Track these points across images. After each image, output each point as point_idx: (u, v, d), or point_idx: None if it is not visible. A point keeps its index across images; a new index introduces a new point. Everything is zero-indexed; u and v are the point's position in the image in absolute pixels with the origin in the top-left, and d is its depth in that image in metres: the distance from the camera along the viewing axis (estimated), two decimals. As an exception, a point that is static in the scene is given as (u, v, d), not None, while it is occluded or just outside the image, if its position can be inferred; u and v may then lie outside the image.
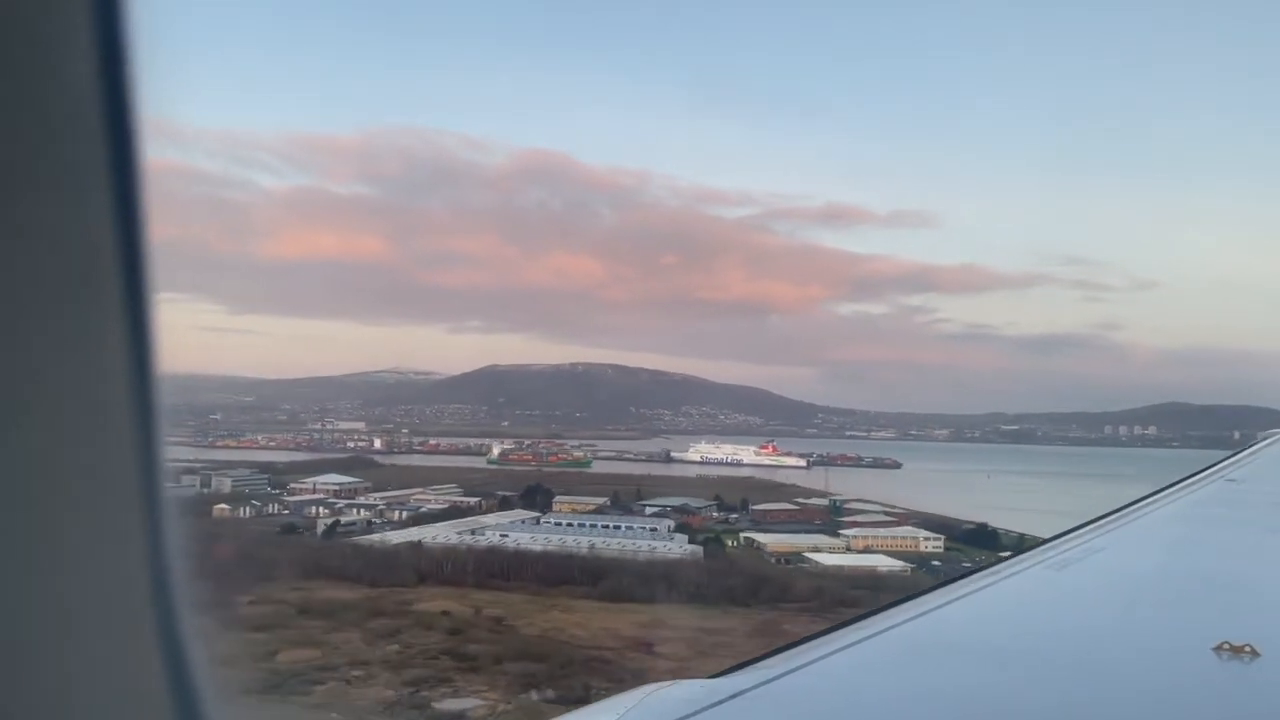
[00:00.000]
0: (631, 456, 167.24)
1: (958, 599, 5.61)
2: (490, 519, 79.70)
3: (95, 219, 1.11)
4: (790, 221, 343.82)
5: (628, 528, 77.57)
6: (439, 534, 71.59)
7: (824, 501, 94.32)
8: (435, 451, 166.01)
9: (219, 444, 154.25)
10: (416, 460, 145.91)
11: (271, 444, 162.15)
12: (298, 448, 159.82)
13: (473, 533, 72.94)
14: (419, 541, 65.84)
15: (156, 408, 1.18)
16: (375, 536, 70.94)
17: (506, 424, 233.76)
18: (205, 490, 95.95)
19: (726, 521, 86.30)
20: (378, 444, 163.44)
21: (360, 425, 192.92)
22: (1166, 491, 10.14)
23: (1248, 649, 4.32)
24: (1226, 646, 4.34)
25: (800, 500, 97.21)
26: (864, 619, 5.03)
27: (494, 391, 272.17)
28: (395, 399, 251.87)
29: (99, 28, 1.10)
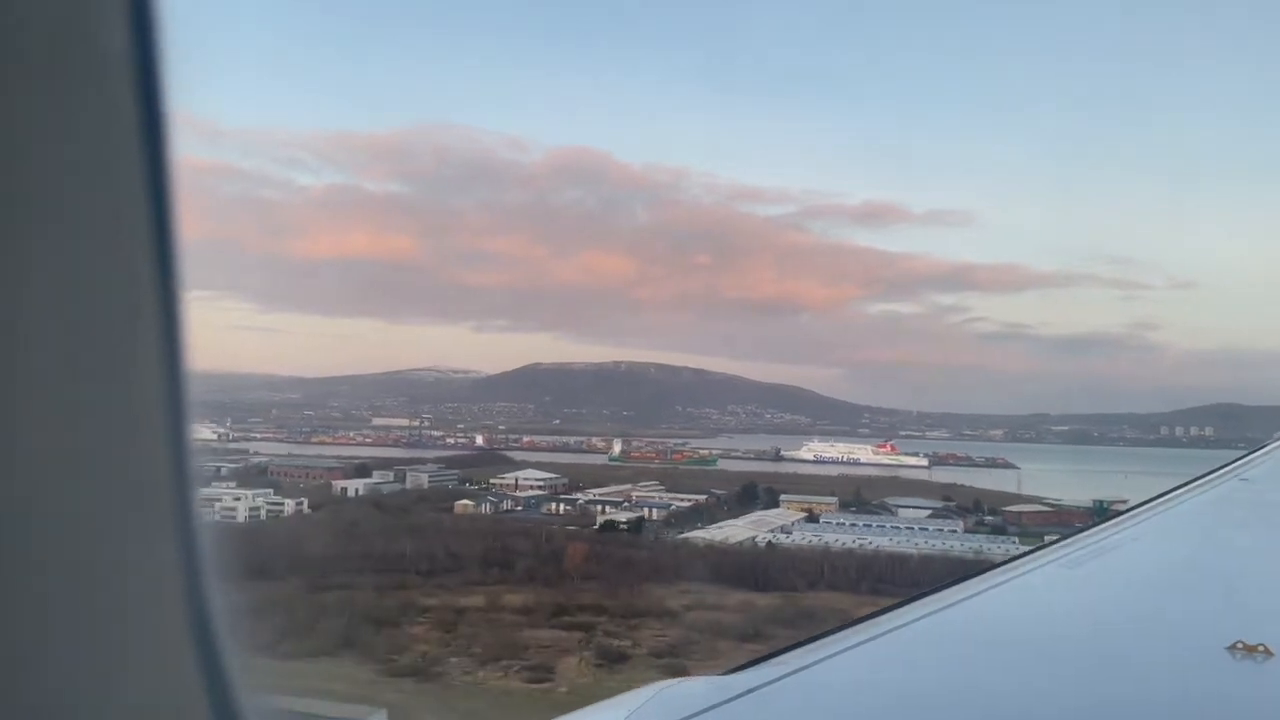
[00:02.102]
0: (739, 455, 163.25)
1: (972, 596, 5.48)
2: (773, 516, 74.72)
3: (128, 217, 1.09)
4: (825, 220, 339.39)
5: (920, 528, 73.22)
6: (741, 534, 66.63)
7: (1083, 504, 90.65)
8: (535, 449, 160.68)
9: (314, 440, 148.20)
10: (525, 456, 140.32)
11: (367, 440, 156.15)
12: (396, 444, 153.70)
13: (770, 532, 68.12)
14: (770, 542, 60.90)
15: (187, 404, 1.16)
16: (701, 535, 65.60)
17: (558, 422, 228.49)
18: (404, 486, 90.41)
19: (982, 524, 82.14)
20: (479, 440, 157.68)
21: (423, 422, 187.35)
22: (1179, 490, 9.94)
23: (1262, 648, 4.28)
24: (1241, 646, 4.30)
25: (1050, 502, 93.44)
26: (879, 615, 4.98)
27: (537, 390, 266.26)
28: (438, 397, 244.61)
29: (133, 28, 1.08)
